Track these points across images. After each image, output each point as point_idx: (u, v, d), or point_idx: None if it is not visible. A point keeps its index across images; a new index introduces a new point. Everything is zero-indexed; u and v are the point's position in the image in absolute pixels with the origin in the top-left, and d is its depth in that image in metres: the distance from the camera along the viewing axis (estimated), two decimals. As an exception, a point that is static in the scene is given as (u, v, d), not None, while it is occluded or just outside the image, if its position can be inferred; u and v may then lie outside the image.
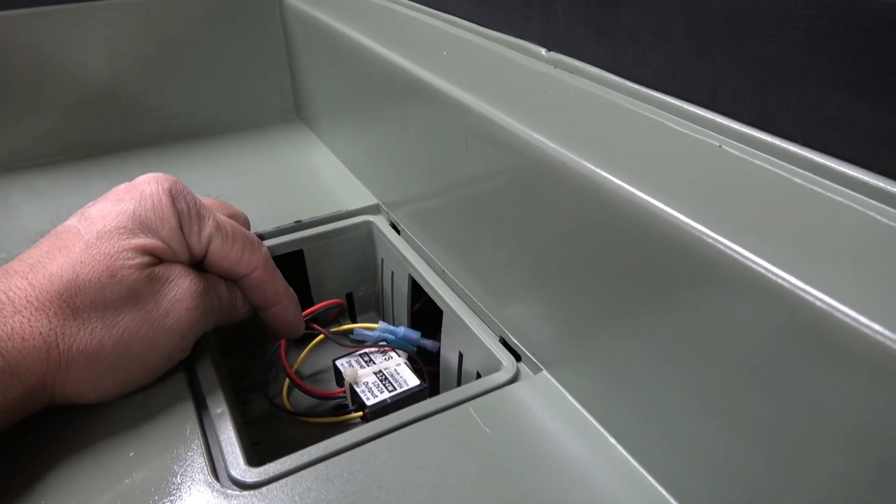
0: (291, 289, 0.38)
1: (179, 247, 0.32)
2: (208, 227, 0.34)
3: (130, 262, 0.30)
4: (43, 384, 0.28)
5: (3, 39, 0.52)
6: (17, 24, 0.52)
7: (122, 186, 0.34)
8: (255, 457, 0.29)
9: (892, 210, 0.20)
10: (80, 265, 0.29)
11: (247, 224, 0.41)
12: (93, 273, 0.29)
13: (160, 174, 0.34)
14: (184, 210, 0.33)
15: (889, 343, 0.16)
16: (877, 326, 0.16)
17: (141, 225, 0.31)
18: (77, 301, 0.28)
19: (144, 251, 0.31)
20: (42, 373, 0.28)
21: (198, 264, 0.34)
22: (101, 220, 0.31)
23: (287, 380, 0.40)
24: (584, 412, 0.29)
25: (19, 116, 0.55)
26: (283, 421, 0.39)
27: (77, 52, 0.55)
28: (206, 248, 0.34)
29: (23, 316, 0.28)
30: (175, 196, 0.33)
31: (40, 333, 0.28)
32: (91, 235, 0.30)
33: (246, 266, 0.35)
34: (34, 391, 0.28)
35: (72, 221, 0.32)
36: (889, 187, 0.20)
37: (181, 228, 0.33)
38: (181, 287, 0.31)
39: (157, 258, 0.31)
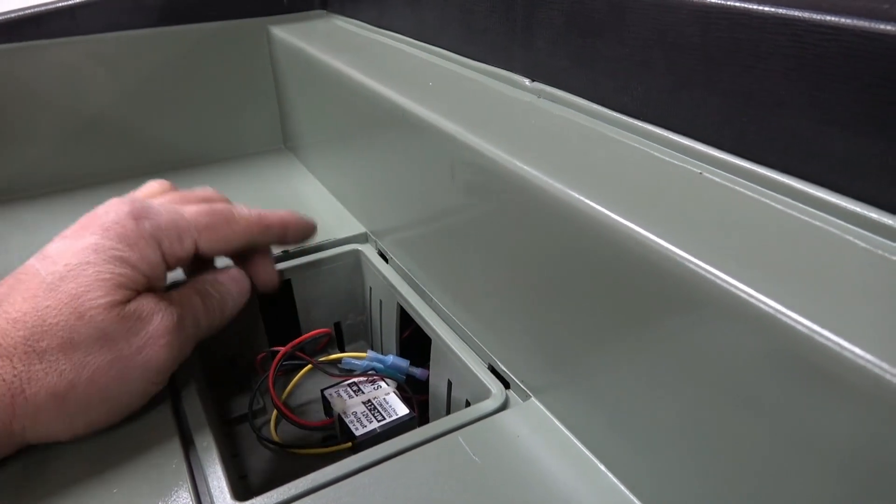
0: (284, 214, 0.38)
1: (154, 270, 0.31)
2: (188, 232, 0.32)
3: (99, 301, 0.28)
4: (10, 431, 0.27)
5: (-9, 73, 0.52)
6: (3, 57, 0.52)
7: (80, 220, 0.32)
8: (242, 490, 0.29)
9: (868, 234, 0.21)
10: (45, 309, 0.28)
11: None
12: (59, 316, 0.28)
13: (116, 199, 0.32)
14: (153, 229, 0.31)
15: (871, 367, 0.16)
16: (858, 350, 0.16)
17: (107, 258, 0.29)
18: (43, 344, 0.27)
19: (114, 286, 0.29)
20: (8, 420, 0.27)
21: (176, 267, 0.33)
22: (61, 258, 0.29)
23: (275, 411, 0.40)
24: (574, 439, 0.29)
25: (4, 148, 0.55)
26: (271, 453, 0.39)
27: (65, 85, 0.55)
28: (190, 254, 0.33)
29: None
30: (138, 217, 0.31)
31: (3, 381, 0.27)
32: (52, 276, 0.29)
33: (240, 239, 0.34)
34: (2, 437, 0.27)
35: (32, 261, 0.30)
36: (863, 211, 0.21)
37: (160, 248, 0.31)
38: (154, 322, 0.30)
39: (128, 290, 0.30)
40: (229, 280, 0.36)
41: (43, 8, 0.53)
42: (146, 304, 0.30)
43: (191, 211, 0.34)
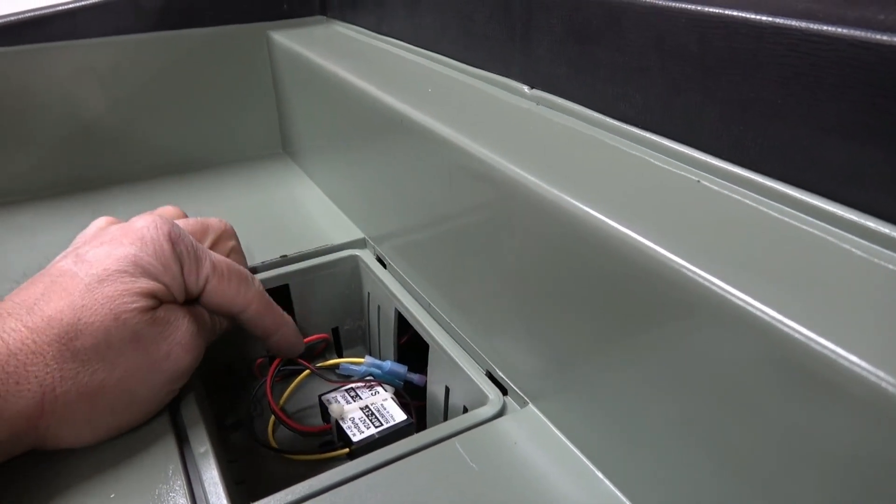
0: (286, 314, 0.39)
1: (178, 289, 0.33)
2: (205, 268, 0.34)
3: (133, 305, 0.30)
4: (34, 427, 0.28)
5: (-10, 76, 0.52)
6: (3, 60, 0.52)
7: (117, 229, 0.34)
8: (239, 496, 0.29)
9: (865, 242, 0.21)
10: (81, 308, 0.29)
11: (239, 252, 0.42)
12: (95, 316, 0.29)
13: (157, 217, 0.34)
14: (183, 253, 0.33)
15: (868, 375, 0.16)
16: (854, 358, 0.17)
17: (142, 270, 0.31)
18: (77, 343, 0.28)
19: (146, 295, 0.31)
20: (35, 416, 0.27)
21: (191, 301, 0.35)
22: (99, 263, 0.31)
23: (273, 416, 0.40)
24: (571, 446, 0.29)
25: (2, 151, 0.55)
26: (268, 458, 0.39)
27: (63, 88, 0.55)
28: (202, 288, 0.34)
29: (18, 360, 0.27)
30: (175, 241, 0.33)
31: (36, 377, 0.27)
32: (90, 278, 0.30)
33: (241, 302, 0.36)
34: (23, 434, 0.27)
35: (66, 263, 0.31)
36: (860, 220, 0.21)
37: (182, 272, 0.33)
38: (181, 329, 0.32)
39: (158, 300, 0.31)
40: None
41: (43, 11, 0.53)
42: (173, 312, 0.32)
43: (217, 257, 0.36)
